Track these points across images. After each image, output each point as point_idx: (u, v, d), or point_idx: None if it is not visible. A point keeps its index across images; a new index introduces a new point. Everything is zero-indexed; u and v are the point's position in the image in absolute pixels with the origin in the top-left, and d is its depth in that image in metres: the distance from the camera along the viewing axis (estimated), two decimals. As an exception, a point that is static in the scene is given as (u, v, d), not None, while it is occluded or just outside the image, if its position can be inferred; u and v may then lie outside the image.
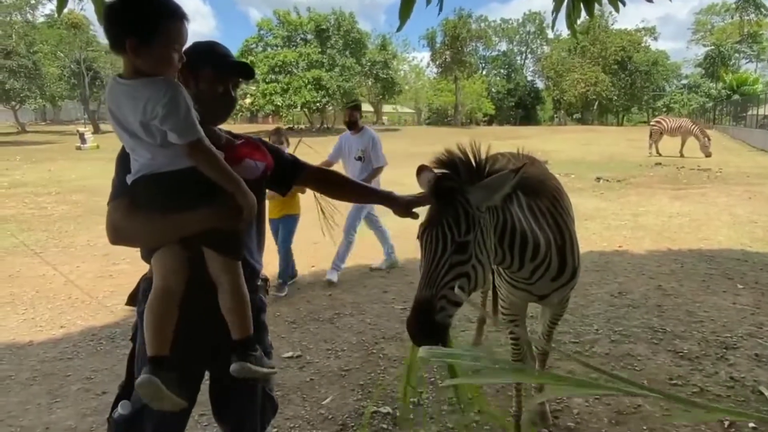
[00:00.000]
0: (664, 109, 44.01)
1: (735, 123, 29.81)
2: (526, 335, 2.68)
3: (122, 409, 1.55)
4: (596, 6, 2.83)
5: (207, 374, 1.70)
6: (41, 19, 37.46)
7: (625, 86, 48.23)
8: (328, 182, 1.97)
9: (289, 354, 3.54)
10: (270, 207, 4.46)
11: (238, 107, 27.72)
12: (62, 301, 4.67)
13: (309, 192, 4.22)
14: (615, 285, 4.82)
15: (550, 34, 55.01)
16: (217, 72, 1.54)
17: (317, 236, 4.74)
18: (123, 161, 1.46)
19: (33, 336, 3.94)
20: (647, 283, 4.87)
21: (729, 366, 3.25)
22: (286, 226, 4.77)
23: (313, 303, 4.56)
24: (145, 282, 1.59)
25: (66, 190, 10.99)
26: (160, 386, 1.35)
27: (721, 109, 37.63)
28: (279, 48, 35.16)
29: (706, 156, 16.36)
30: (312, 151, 4.37)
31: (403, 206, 1.87)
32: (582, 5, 2.75)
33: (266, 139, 2.00)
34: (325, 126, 37.75)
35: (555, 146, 20.67)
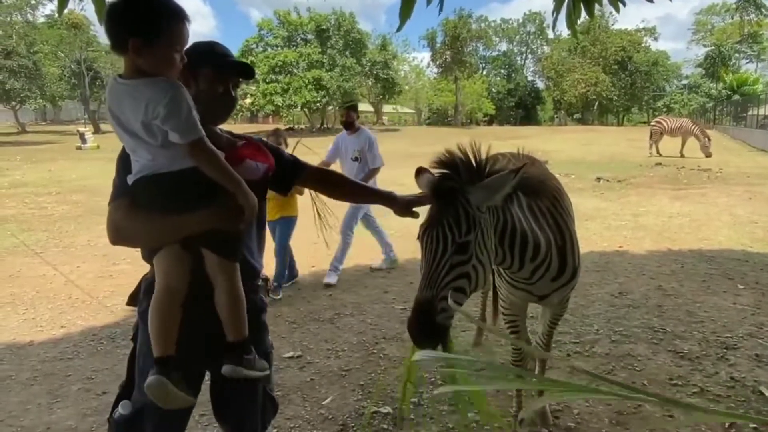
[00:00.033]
0: (665, 110, 43.97)
1: (735, 123, 29.80)
2: (526, 334, 2.67)
3: (123, 409, 1.55)
4: (596, 6, 2.84)
5: (207, 374, 1.70)
6: (41, 20, 37.59)
7: (625, 86, 48.21)
8: (328, 182, 1.97)
9: (290, 354, 3.54)
10: (267, 209, 4.46)
11: (238, 107, 27.74)
12: (62, 301, 4.67)
13: (306, 194, 4.26)
14: (615, 285, 4.82)
15: (551, 35, 55.04)
16: (217, 72, 1.54)
17: (317, 236, 4.75)
18: (124, 162, 1.46)
19: (33, 336, 3.94)
20: (647, 283, 4.87)
21: (729, 366, 3.25)
22: (283, 229, 4.74)
23: (314, 303, 4.56)
24: (146, 282, 1.59)
25: (66, 190, 10.99)
26: (169, 386, 1.37)
27: (721, 110, 37.63)
28: (279, 48, 35.16)
29: (707, 156, 16.36)
30: (310, 152, 4.37)
31: (403, 206, 1.87)
32: (582, 5, 2.75)
33: (266, 140, 2.00)
34: (326, 126, 37.76)
35: (555, 146, 20.67)
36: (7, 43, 30.03)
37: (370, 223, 5.41)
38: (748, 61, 50.74)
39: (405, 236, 5.95)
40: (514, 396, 2.73)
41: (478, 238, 1.64)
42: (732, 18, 50.17)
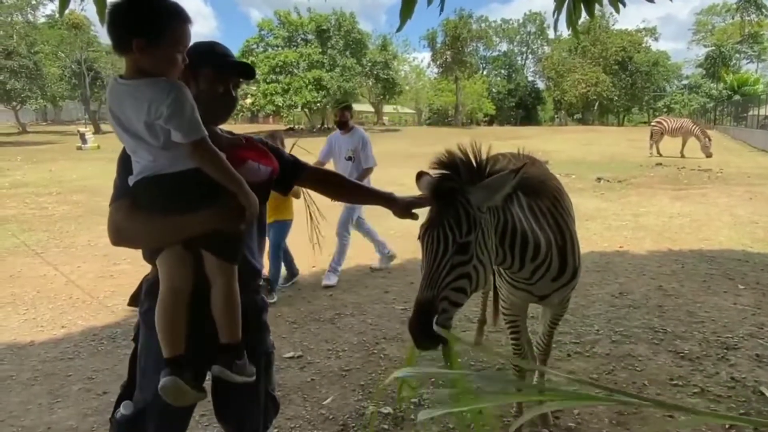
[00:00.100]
0: (665, 110, 43.92)
1: (736, 123, 29.78)
2: (527, 335, 2.68)
3: (124, 409, 1.56)
4: (597, 6, 2.84)
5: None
6: (42, 20, 37.61)
7: (625, 87, 48.19)
8: (327, 183, 1.97)
9: (290, 354, 3.54)
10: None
11: (238, 107, 27.66)
12: (63, 301, 4.67)
13: (302, 196, 4.27)
14: (616, 285, 4.82)
15: (551, 35, 54.99)
16: (217, 72, 1.54)
17: (314, 238, 4.75)
18: (124, 162, 1.46)
19: (34, 336, 3.95)
20: (648, 283, 4.87)
21: (730, 366, 3.25)
22: (277, 232, 4.70)
23: (314, 303, 4.56)
24: (147, 283, 1.59)
25: (67, 191, 11.00)
26: (183, 385, 1.39)
27: (721, 110, 37.60)
28: (280, 48, 35.17)
29: (707, 156, 16.35)
30: (307, 153, 4.37)
31: (402, 207, 1.87)
32: (582, 6, 2.75)
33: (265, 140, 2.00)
34: (326, 126, 37.75)
35: (556, 146, 20.66)
36: (7, 44, 30.06)
37: (360, 225, 5.38)
38: (748, 61, 50.75)
39: (405, 236, 5.96)
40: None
41: (479, 238, 1.64)
42: (732, 18, 50.14)
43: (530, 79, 57.61)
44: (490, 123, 48.48)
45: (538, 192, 1.98)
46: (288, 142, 4.84)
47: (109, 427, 1.63)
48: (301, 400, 2.97)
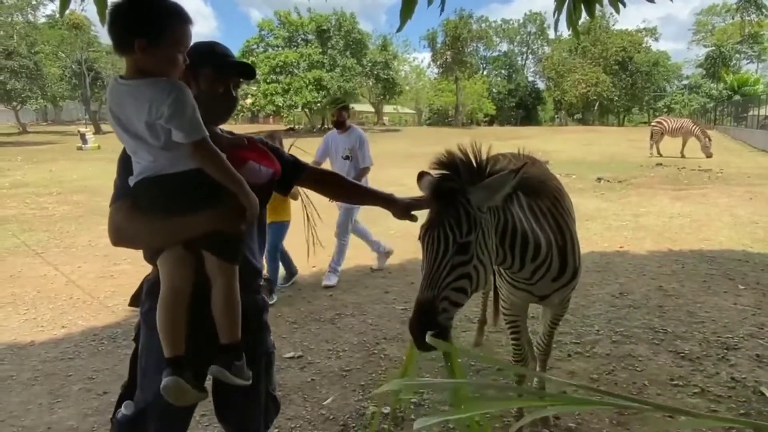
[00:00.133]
0: (665, 110, 43.90)
1: (736, 124, 29.78)
2: (527, 335, 2.68)
3: (125, 409, 1.56)
4: (597, 7, 2.84)
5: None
6: (42, 20, 37.59)
7: (626, 87, 48.17)
8: (327, 183, 1.97)
9: (291, 354, 3.54)
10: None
11: (239, 107, 27.63)
12: (63, 301, 4.68)
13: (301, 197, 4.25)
14: (616, 285, 4.82)
15: (551, 35, 54.96)
16: (217, 72, 1.54)
17: (319, 236, 4.75)
18: (125, 163, 1.47)
19: (34, 336, 3.95)
20: (648, 283, 4.87)
21: (730, 367, 3.25)
22: (275, 233, 4.68)
23: (314, 303, 4.56)
24: (148, 283, 1.59)
25: (67, 191, 11.00)
26: (184, 385, 1.39)
27: (722, 110, 37.58)
28: (280, 48, 35.16)
29: (707, 157, 16.35)
30: (305, 153, 4.37)
31: (402, 209, 1.86)
32: (583, 6, 2.76)
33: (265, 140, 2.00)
34: (327, 126, 37.75)
35: (556, 147, 20.66)
36: (8, 44, 30.05)
37: (354, 227, 5.38)
38: (748, 61, 50.74)
39: (405, 236, 5.96)
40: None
41: (479, 238, 1.64)
42: (733, 18, 50.13)
43: (530, 79, 57.69)
44: (490, 123, 48.47)
45: (539, 192, 1.98)
46: (288, 143, 4.85)
47: (110, 427, 1.63)
48: (301, 401, 2.97)
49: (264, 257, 2.50)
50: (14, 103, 33.84)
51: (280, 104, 33.16)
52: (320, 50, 34.60)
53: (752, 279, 4.92)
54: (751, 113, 26.79)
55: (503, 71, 57.45)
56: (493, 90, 50.55)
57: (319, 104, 34.00)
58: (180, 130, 1.32)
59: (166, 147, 1.34)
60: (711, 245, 6.21)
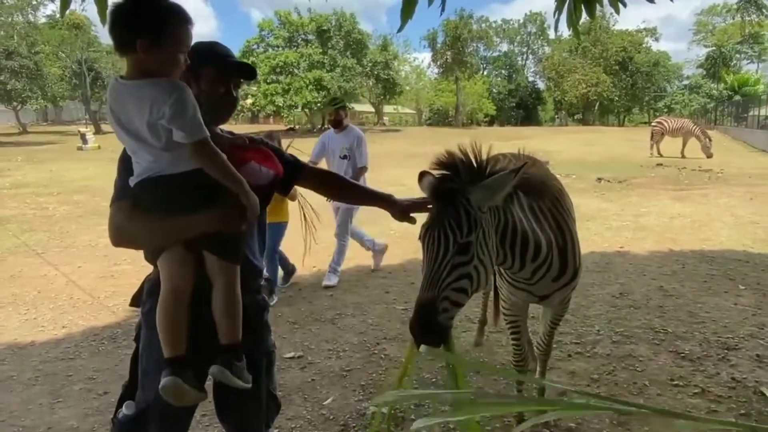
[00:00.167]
0: (666, 110, 43.85)
1: (736, 124, 29.77)
2: (528, 335, 2.68)
3: (126, 409, 1.56)
4: (597, 7, 2.84)
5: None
6: (43, 20, 37.57)
7: (626, 87, 48.13)
8: (326, 183, 1.98)
9: (291, 354, 3.54)
10: None
11: (239, 108, 27.58)
12: (64, 301, 4.68)
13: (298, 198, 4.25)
14: (616, 286, 4.82)
15: (552, 35, 54.94)
16: (218, 72, 1.54)
17: (318, 237, 4.76)
18: (125, 163, 1.47)
19: (35, 336, 3.95)
20: (649, 283, 4.87)
21: (730, 367, 3.25)
22: (273, 234, 4.67)
23: (315, 303, 4.56)
24: (149, 283, 1.59)
25: (67, 191, 11.01)
26: (184, 385, 1.39)
27: (722, 110, 37.56)
28: (280, 49, 35.15)
29: (708, 157, 16.34)
30: (302, 153, 4.37)
31: (401, 210, 1.86)
32: (583, 6, 2.76)
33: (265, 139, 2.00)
34: (327, 126, 37.69)
35: (556, 147, 20.64)
36: (8, 44, 30.04)
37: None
38: (749, 61, 50.70)
39: (406, 236, 5.96)
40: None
41: (480, 238, 1.64)
42: (733, 19, 50.11)
43: (531, 79, 57.62)
44: (490, 123, 48.44)
45: (539, 192, 1.98)
46: (286, 143, 4.85)
47: (111, 427, 1.63)
48: (301, 401, 2.97)
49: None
50: (14, 104, 33.84)
51: (281, 104, 33.15)
52: (320, 50, 34.59)
53: (753, 279, 4.92)
54: (751, 113, 26.78)
55: (503, 71, 57.43)
56: (494, 90, 50.54)
57: (319, 104, 33.99)
58: (181, 130, 1.32)
59: (167, 147, 1.34)
60: (711, 245, 6.21)
